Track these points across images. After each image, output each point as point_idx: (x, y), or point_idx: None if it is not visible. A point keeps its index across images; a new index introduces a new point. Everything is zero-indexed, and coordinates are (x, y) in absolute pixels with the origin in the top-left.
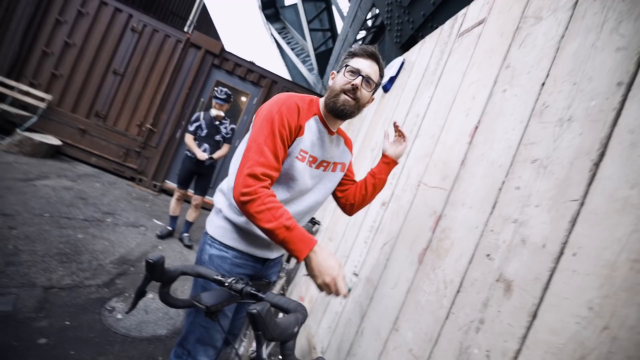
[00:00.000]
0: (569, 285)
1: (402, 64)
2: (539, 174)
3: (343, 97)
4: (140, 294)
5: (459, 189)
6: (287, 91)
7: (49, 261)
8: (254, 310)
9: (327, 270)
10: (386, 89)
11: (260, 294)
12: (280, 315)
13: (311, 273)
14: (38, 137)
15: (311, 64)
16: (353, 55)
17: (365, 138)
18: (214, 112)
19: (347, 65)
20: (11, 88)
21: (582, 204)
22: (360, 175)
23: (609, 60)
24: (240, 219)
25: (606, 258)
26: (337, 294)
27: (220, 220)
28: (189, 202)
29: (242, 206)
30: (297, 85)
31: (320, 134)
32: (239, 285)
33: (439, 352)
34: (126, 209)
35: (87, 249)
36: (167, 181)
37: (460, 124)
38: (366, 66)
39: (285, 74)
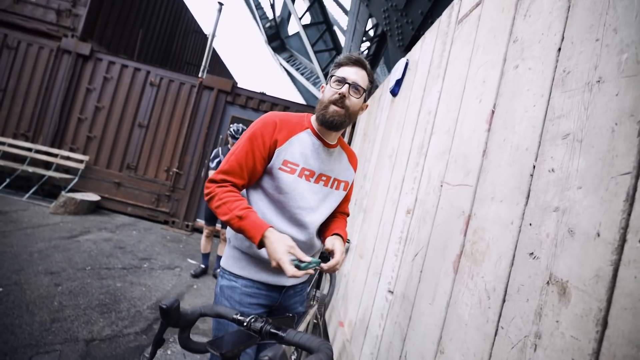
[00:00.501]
0: None
1: (407, 64)
2: (574, 149)
3: (332, 108)
4: (158, 342)
5: (485, 183)
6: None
7: (90, 313)
8: (266, 357)
9: (273, 254)
10: (394, 92)
11: (280, 333)
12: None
13: (270, 258)
14: (79, 195)
15: (322, 85)
16: (339, 65)
17: (382, 146)
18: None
19: (332, 76)
20: (55, 156)
21: (637, 177)
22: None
23: (635, 2)
24: (248, 247)
25: None
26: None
27: (229, 250)
28: (219, 237)
29: (209, 205)
30: (310, 107)
31: (314, 147)
32: (258, 325)
33: None
34: (161, 253)
35: (125, 297)
36: (198, 220)
37: (475, 112)
38: (352, 73)
39: (298, 97)
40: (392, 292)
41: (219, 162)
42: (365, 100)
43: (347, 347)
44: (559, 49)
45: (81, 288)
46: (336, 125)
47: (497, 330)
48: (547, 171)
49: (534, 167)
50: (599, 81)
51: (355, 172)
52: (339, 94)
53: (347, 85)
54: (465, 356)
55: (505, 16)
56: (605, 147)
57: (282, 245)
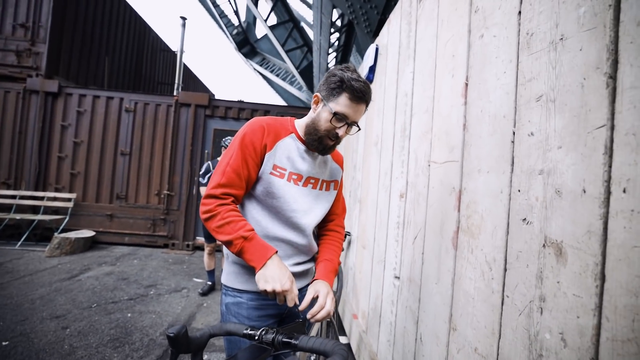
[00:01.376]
0: (632, 230)
1: (377, 50)
2: (549, 110)
3: (326, 141)
4: None
5: (470, 156)
6: (281, 114)
7: (103, 350)
8: None
9: (281, 278)
10: (369, 79)
11: (293, 341)
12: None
13: (259, 279)
14: (73, 234)
15: (299, 83)
16: (342, 89)
17: (366, 135)
18: None
19: (335, 112)
20: (41, 198)
21: (612, 128)
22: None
23: None
24: None
25: None
26: (287, 302)
27: (229, 266)
28: (222, 251)
29: (206, 224)
30: (291, 107)
31: (299, 151)
32: (270, 336)
33: (506, 346)
34: (166, 277)
35: (136, 327)
36: (197, 238)
37: (449, 88)
38: (354, 111)
39: (277, 99)
40: (398, 278)
41: (209, 178)
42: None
43: (364, 338)
44: (519, 12)
45: (90, 327)
46: (325, 153)
47: (503, 299)
48: (527, 135)
49: (514, 133)
50: (562, 39)
51: (342, 169)
52: (338, 135)
53: (346, 126)
54: (477, 329)
55: None
56: (578, 103)
57: (289, 275)
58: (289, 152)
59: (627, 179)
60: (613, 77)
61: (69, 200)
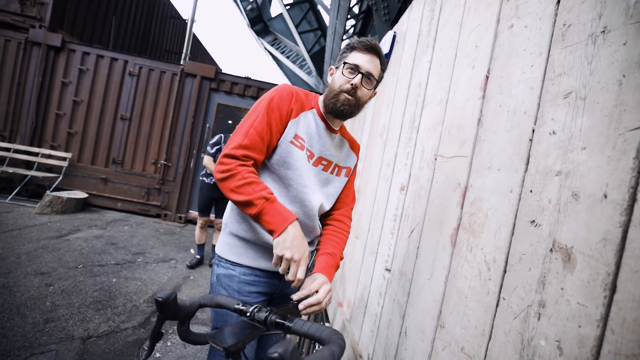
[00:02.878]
0: None
1: (394, 37)
2: (576, 108)
3: (343, 96)
4: (156, 335)
5: (481, 152)
6: None
7: (85, 311)
8: (275, 354)
9: (299, 247)
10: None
11: (287, 323)
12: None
13: (278, 243)
14: (66, 194)
15: (309, 67)
16: (351, 48)
17: (372, 124)
18: None
19: (345, 63)
20: (36, 154)
21: None
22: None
23: None
24: (247, 233)
25: None
26: (289, 274)
27: (225, 237)
28: (213, 227)
29: (221, 184)
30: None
31: (318, 128)
32: (262, 314)
33: (495, 348)
34: (155, 246)
35: (120, 293)
36: (190, 211)
37: (468, 80)
38: (366, 61)
39: (285, 81)
40: (389, 270)
41: (218, 150)
42: (374, 89)
43: (347, 327)
44: (558, 1)
45: (74, 287)
46: (346, 114)
47: (498, 301)
48: (548, 134)
49: (533, 131)
50: (603, 31)
51: (357, 159)
52: (352, 84)
53: (360, 75)
54: (466, 329)
55: None
56: (612, 102)
57: (306, 245)
58: (308, 127)
59: None
60: None
61: (64, 159)
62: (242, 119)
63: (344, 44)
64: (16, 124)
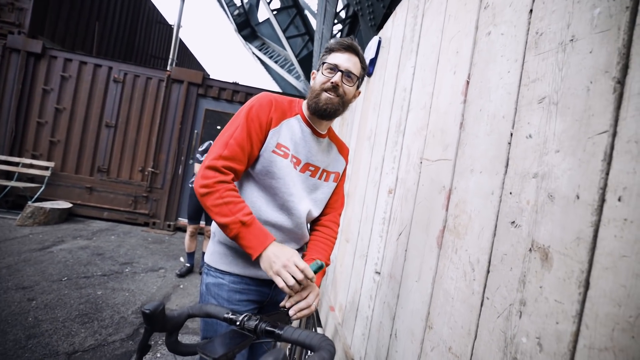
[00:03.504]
0: (622, 239)
1: (379, 42)
2: (550, 113)
3: (325, 95)
4: (144, 348)
5: (464, 155)
6: None
7: (70, 325)
8: None
9: (281, 255)
10: (369, 72)
11: (277, 331)
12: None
13: (265, 267)
14: (49, 204)
15: (297, 72)
16: (330, 50)
17: (360, 128)
18: None
19: (324, 63)
20: (16, 164)
21: (614, 134)
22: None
23: None
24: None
25: None
26: (291, 281)
27: (214, 245)
28: (203, 234)
29: (201, 199)
30: (288, 94)
31: (304, 134)
32: (252, 323)
33: (481, 347)
34: (143, 255)
35: (107, 304)
36: (179, 219)
37: (450, 85)
38: (344, 60)
39: (273, 86)
40: (379, 273)
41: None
42: (357, 88)
43: (339, 331)
44: (531, 10)
45: (58, 300)
46: (329, 113)
47: (482, 301)
48: (525, 137)
49: (512, 134)
50: (572, 40)
51: (346, 163)
52: (332, 82)
53: (339, 73)
54: (453, 329)
55: None
56: (581, 107)
57: (287, 249)
58: (292, 134)
59: (624, 187)
60: (621, 82)
61: (46, 168)
62: (222, 129)
63: (325, 47)
64: None
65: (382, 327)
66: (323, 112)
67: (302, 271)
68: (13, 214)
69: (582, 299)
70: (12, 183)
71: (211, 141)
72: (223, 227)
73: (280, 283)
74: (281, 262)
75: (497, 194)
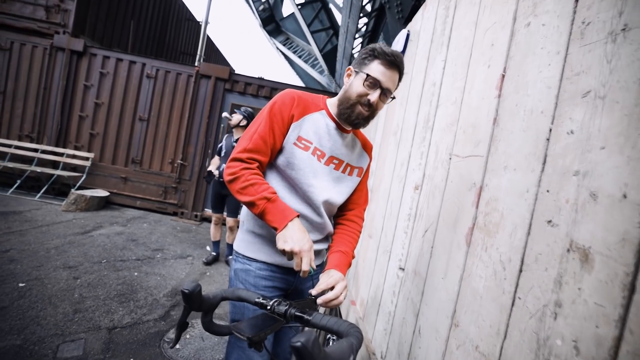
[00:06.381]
0: None
1: (408, 36)
2: (595, 107)
3: (358, 109)
4: (182, 325)
5: (496, 152)
6: None
7: (109, 303)
8: (298, 343)
9: (299, 241)
10: None
11: (306, 316)
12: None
13: (279, 238)
14: (89, 192)
15: (321, 66)
16: (374, 56)
17: (386, 124)
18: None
19: (367, 75)
20: (61, 155)
21: None
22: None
23: None
24: (262, 229)
25: None
26: (295, 265)
27: (243, 234)
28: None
29: (229, 186)
30: (311, 89)
31: (328, 128)
32: (282, 308)
33: (511, 347)
34: (173, 243)
35: (142, 287)
36: (206, 210)
37: (483, 79)
38: (387, 78)
39: (297, 81)
40: (403, 269)
41: (220, 148)
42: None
43: (360, 325)
44: None
45: (99, 280)
46: (358, 125)
47: (514, 300)
48: (566, 133)
49: (551, 130)
50: (624, 29)
51: (370, 159)
52: (369, 100)
53: (379, 91)
54: (481, 328)
55: None
56: (633, 101)
57: (308, 238)
58: (316, 127)
59: None
60: None
61: (86, 159)
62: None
63: (366, 48)
64: (43, 126)
65: (405, 323)
66: (353, 124)
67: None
68: (59, 200)
69: (627, 303)
70: (58, 172)
71: (225, 135)
72: (250, 205)
73: (296, 262)
74: (301, 244)
75: (532, 191)
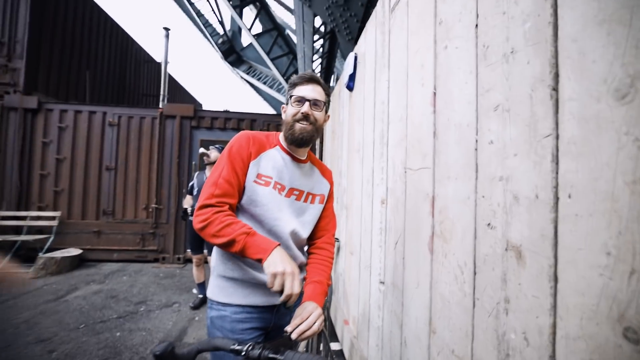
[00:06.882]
0: (576, 233)
1: (356, 58)
2: (505, 119)
3: (298, 126)
4: None
5: (440, 163)
6: (268, 123)
7: None
8: None
9: (289, 263)
10: (350, 87)
11: (279, 357)
12: None
13: (269, 264)
14: (59, 253)
15: (285, 91)
16: (294, 85)
17: (349, 142)
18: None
19: (291, 96)
20: (24, 218)
21: (557, 137)
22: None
23: None
24: (234, 272)
25: (603, 190)
26: (285, 288)
27: (214, 280)
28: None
29: (201, 233)
30: (278, 115)
31: (285, 162)
32: (256, 352)
33: (478, 347)
34: (157, 292)
35: (126, 347)
36: (188, 251)
37: (420, 97)
38: (309, 91)
39: (265, 107)
40: (383, 283)
41: (191, 186)
42: (326, 112)
43: (355, 344)
44: (476, 25)
45: (77, 348)
46: (306, 140)
47: (474, 302)
48: (487, 143)
49: (477, 141)
50: (512, 52)
51: (331, 185)
52: (302, 113)
53: (307, 103)
54: (453, 332)
55: (428, 0)
56: (528, 113)
57: (294, 264)
58: (274, 162)
59: (571, 185)
60: (555, 89)
61: (53, 218)
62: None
63: (289, 82)
64: (0, 191)
65: (393, 336)
66: (300, 141)
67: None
68: (26, 266)
69: (554, 292)
70: (22, 237)
71: (195, 173)
72: (229, 244)
73: (270, 284)
74: (285, 268)
75: (472, 198)
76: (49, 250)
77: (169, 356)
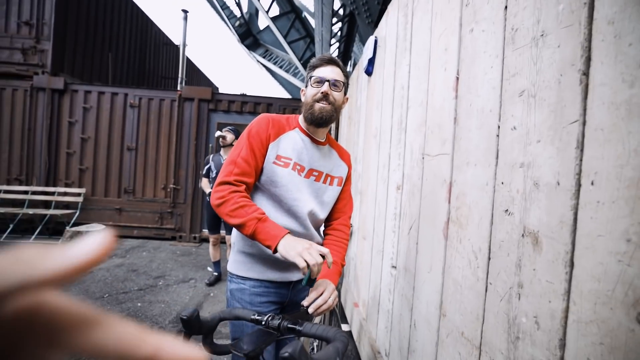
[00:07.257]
0: (597, 220)
1: (376, 42)
2: (530, 105)
3: (318, 105)
4: None
5: (460, 149)
6: (284, 107)
7: None
8: (286, 354)
9: (301, 243)
10: (369, 72)
11: (297, 327)
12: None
13: (284, 255)
14: (84, 228)
15: (302, 75)
16: (313, 67)
17: (366, 127)
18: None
19: (311, 77)
20: (52, 194)
21: (584, 123)
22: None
23: None
24: (252, 248)
25: (628, 176)
26: (314, 259)
27: (234, 255)
28: (226, 242)
29: (217, 210)
30: (294, 99)
31: (305, 143)
32: (276, 322)
33: (488, 330)
34: (174, 268)
35: (146, 316)
36: (204, 230)
37: (442, 82)
38: (328, 72)
39: (281, 91)
40: (395, 267)
41: (208, 169)
42: (345, 94)
43: (364, 326)
44: (506, 7)
45: None
46: (325, 120)
47: (486, 286)
48: (510, 129)
49: (499, 127)
50: (542, 35)
51: (349, 168)
52: (322, 92)
53: (327, 83)
54: (464, 315)
55: None
56: (555, 98)
57: (303, 240)
58: (294, 144)
59: (595, 172)
60: (586, 73)
61: (78, 195)
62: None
63: (308, 65)
64: (31, 167)
65: (402, 319)
66: (319, 120)
67: (322, 254)
68: (54, 239)
69: (569, 278)
70: (51, 211)
71: (210, 155)
72: (240, 227)
73: (302, 263)
74: (302, 245)
75: (491, 184)
76: (75, 224)
77: (195, 321)
